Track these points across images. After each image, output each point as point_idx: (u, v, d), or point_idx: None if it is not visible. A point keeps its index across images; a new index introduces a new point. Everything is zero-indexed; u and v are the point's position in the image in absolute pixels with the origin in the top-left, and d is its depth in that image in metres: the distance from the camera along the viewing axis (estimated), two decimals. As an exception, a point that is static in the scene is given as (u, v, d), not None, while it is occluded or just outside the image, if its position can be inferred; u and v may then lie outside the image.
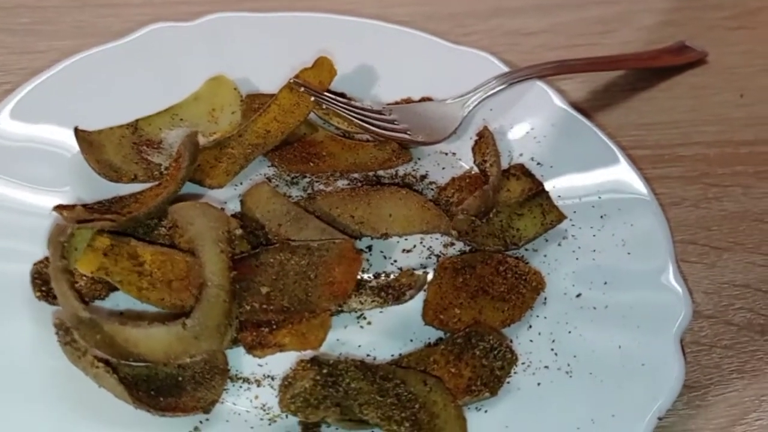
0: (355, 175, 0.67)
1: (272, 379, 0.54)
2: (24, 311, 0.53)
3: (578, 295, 0.60)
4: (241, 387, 0.53)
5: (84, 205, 0.59)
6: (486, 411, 0.53)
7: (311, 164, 0.66)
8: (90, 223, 0.54)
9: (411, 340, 0.57)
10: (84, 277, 0.54)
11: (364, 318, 0.58)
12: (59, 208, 0.57)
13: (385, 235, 0.61)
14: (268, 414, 0.52)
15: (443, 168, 0.69)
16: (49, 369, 0.51)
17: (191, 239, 0.55)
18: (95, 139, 0.64)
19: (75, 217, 0.55)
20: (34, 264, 0.55)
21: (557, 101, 0.72)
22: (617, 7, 0.94)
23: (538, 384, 0.55)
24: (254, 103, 0.69)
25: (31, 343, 0.52)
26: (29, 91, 0.65)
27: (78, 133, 0.62)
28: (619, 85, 0.83)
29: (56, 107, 0.65)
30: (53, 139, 0.64)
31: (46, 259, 0.55)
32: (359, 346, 0.57)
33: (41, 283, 0.54)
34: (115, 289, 0.55)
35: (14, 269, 0.55)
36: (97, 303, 0.55)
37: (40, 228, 0.58)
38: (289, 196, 0.65)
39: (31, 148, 0.63)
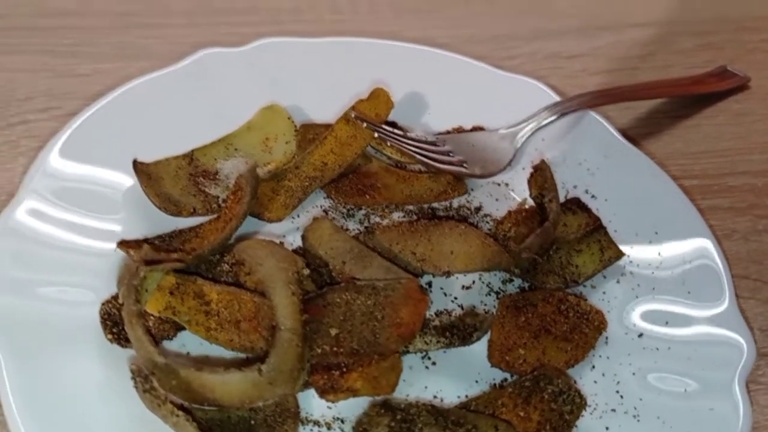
0: (411, 207, 0.67)
1: (342, 422, 0.54)
2: (93, 354, 0.53)
3: (640, 335, 0.60)
4: (312, 430, 0.53)
5: (146, 241, 0.59)
6: (556, 455, 0.53)
7: (367, 197, 0.66)
8: (160, 265, 0.53)
9: (476, 381, 0.57)
10: (152, 317, 0.54)
11: (429, 358, 0.58)
12: (124, 245, 0.56)
13: (447, 273, 0.61)
14: (340, 458, 0.52)
15: (497, 199, 0.69)
16: (118, 413, 0.51)
17: (260, 280, 0.55)
18: (153, 172, 0.63)
19: (142, 256, 0.54)
20: (102, 304, 0.54)
21: (610, 131, 0.72)
22: (654, 30, 0.94)
23: (607, 428, 0.55)
24: (309, 133, 0.69)
25: (101, 387, 0.52)
26: (80, 125, 0.64)
27: (137, 166, 0.62)
28: (662, 112, 0.83)
29: (108, 139, 0.64)
30: (108, 173, 0.63)
31: (114, 298, 0.55)
32: (426, 387, 0.56)
33: (111, 324, 0.53)
34: (183, 328, 0.55)
35: (81, 309, 0.54)
36: (166, 344, 0.55)
37: (103, 265, 0.57)
38: (347, 229, 0.64)
39: (86, 183, 0.62)
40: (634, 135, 0.79)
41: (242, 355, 0.54)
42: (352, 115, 0.65)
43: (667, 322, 0.61)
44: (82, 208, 0.60)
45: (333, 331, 0.54)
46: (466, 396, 0.56)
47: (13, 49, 0.77)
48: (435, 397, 0.56)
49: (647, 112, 0.83)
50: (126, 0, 0.85)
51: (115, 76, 0.74)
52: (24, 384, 0.50)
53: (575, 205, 0.67)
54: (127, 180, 0.63)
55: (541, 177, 0.67)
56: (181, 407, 0.49)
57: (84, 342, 0.53)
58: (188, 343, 0.55)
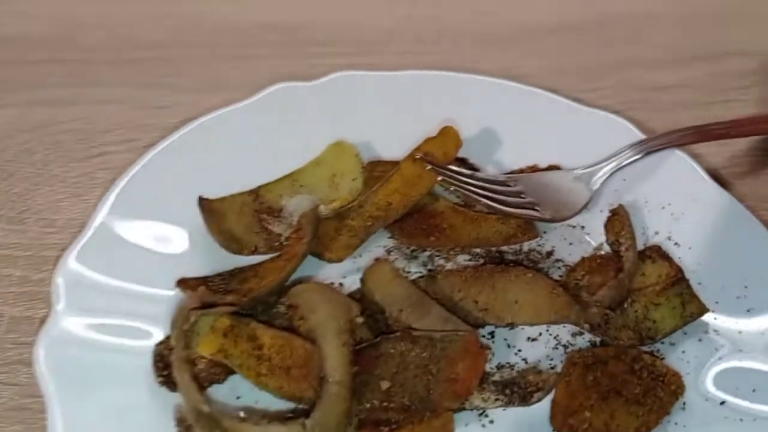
0: (477, 250, 0.64)
1: (390, 479, 0.52)
2: (144, 394, 0.53)
3: (722, 403, 0.55)
4: (358, 487, 0.51)
5: (204, 280, 0.59)
6: None
7: (432, 238, 0.64)
8: (213, 309, 0.53)
9: (536, 443, 0.54)
10: (203, 360, 0.54)
11: (486, 416, 0.55)
12: (183, 284, 0.57)
13: (511, 325, 0.58)
14: None
15: (570, 243, 0.65)
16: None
17: (312, 328, 0.53)
18: (218, 208, 0.63)
19: (198, 297, 0.54)
20: (156, 345, 0.55)
21: (699, 173, 0.67)
22: (756, 60, 0.87)
23: (679, 506, 0.50)
24: (375, 170, 0.67)
25: (150, 429, 0.52)
26: (145, 164, 0.65)
27: (202, 202, 0.62)
28: (761, 150, 0.77)
29: (175, 176, 0.65)
30: (174, 208, 0.63)
31: (167, 339, 0.55)
32: (481, 447, 0.54)
33: (162, 367, 0.53)
34: (233, 372, 0.54)
35: (137, 347, 0.55)
36: (216, 387, 0.54)
37: (163, 301, 0.58)
38: (409, 271, 0.62)
39: (151, 219, 0.62)
40: (726, 174, 0.73)
41: (292, 405, 0.53)
42: (418, 156, 0.63)
43: (754, 390, 0.55)
44: (146, 245, 0.61)
45: (384, 385, 0.52)
46: (525, 459, 0.53)
47: (99, 81, 0.79)
48: (491, 458, 0.53)
49: (743, 150, 0.76)
50: (215, 31, 0.86)
51: (194, 108, 0.74)
52: (73, 422, 0.50)
53: (656, 253, 0.63)
54: (193, 216, 0.63)
55: (619, 223, 0.63)
56: (223, 458, 0.48)
57: (137, 382, 0.53)
58: (239, 387, 0.55)
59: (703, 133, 0.71)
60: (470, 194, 0.63)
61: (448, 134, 0.65)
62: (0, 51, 0.82)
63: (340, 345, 0.52)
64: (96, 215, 0.61)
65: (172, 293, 0.58)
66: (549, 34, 0.89)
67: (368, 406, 0.51)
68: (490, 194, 0.64)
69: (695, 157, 0.69)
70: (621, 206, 0.64)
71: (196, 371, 0.53)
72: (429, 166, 0.63)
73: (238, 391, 0.55)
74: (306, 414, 0.49)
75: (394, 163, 0.66)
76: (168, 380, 0.53)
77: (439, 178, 0.63)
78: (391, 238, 0.65)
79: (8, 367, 0.57)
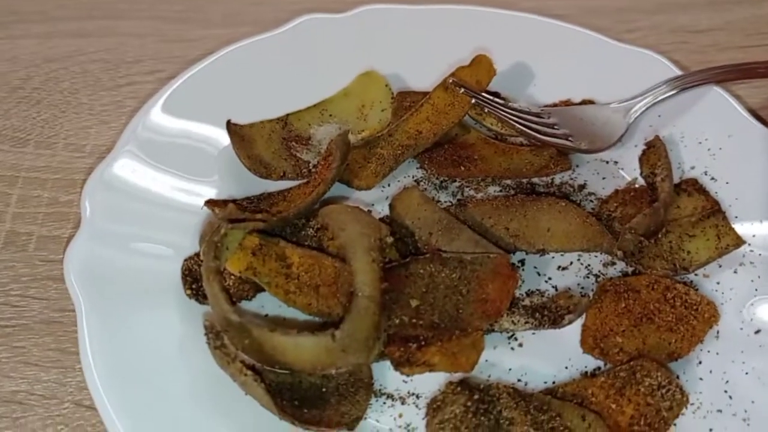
0: (508, 182, 0.63)
1: (417, 397, 0.51)
2: (173, 308, 0.53)
3: (757, 332, 0.54)
4: (384, 403, 0.51)
5: (234, 202, 0.58)
6: (649, 454, 0.48)
7: (462, 168, 0.63)
8: (242, 224, 0.52)
9: (566, 368, 0.53)
10: (232, 276, 0.53)
11: (516, 339, 0.54)
12: (210, 203, 0.56)
13: (542, 251, 0.57)
14: (412, 435, 0.50)
15: (603, 178, 0.64)
16: (194, 369, 0.51)
17: (342, 245, 0.53)
18: (246, 134, 0.63)
19: (227, 215, 0.54)
20: (185, 260, 0.55)
21: (737, 109, 0.65)
22: (799, 3, 0.85)
23: (710, 430, 0.49)
24: (405, 101, 0.66)
25: (178, 341, 0.52)
26: (179, 85, 0.65)
27: (230, 126, 0.61)
28: (802, 92, 0.75)
29: (207, 101, 0.64)
30: (203, 133, 0.63)
31: (197, 255, 0.55)
32: (509, 369, 0.53)
33: (191, 280, 0.53)
34: (262, 290, 0.54)
35: (165, 264, 0.55)
36: (244, 304, 0.54)
37: (190, 222, 0.57)
38: (438, 201, 0.62)
39: (181, 142, 0.62)
40: (765, 115, 0.71)
41: (319, 320, 0.53)
42: (450, 81, 0.62)
43: (790, 320, 0.54)
44: (175, 167, 0.61)
45: (414, 303, 0.52)
46: (553, 382, 0.52)
47: (126, 14, 0.79)
48: (519, 380, 0.53)
49: (784, 92, 0.74)
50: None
51: (220, 41, 0.74)
52: (102, 332, 0.51)
53: (692, 186, 0.61)
54: (222, 141, 0.62)
55: (655, 154, 0.62)
56: (251, 367, 0.48)
57: (165, 296, 0.53)
58: (267, 304, 0.54)
59: (742, 71, 0.69)
60: (505, 119, 0.62)
61: (481, 63, 0.64)
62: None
63: (370, 261, 0.51)
64: (126, 136, 0.61)
65: (200, 213, 0.58)
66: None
67: (397, 322, 0.51)
68: (524, 123, 0.62)
69: (734, 96, 0.68)
70: (657, 137, 0.63)
71: (225, 286, 0.52)
72: (462, 91, 0.61)
73: (266, 309, 0.55)
74: (335, 326, 0.49)
75: (424, 94, 0.65)
76: (197, 293, 0.53)
77: (473, 101, 0.61)
78: (420, 168, 0.64)
79: (38, 282, 0.58)
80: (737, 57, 0.77)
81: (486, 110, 0.63)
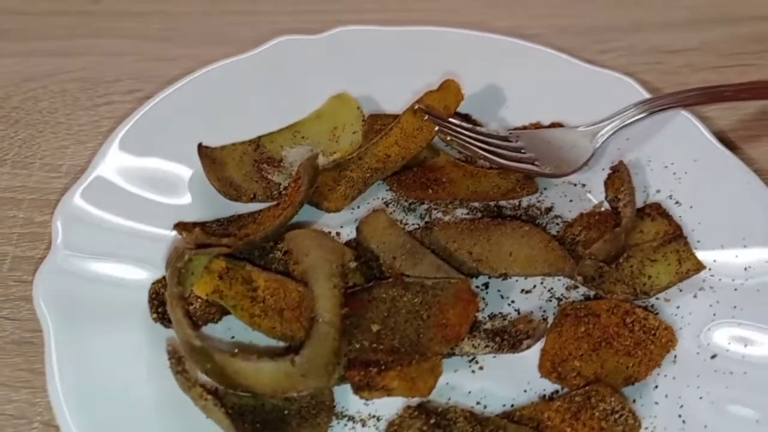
0: (475, 204, 0.64)
1: (378, 419, 0.52)
2: (140, 331, 0.54)
3: (713, 356, 0.55)
4: (345, 425, 0.52)
5: (202, 225, 0.59)
6: (602, 479, 0.50)
7: (430, 191, 0.64)
8: (207, 249, 0.54)
9: (525, 391, 0.54)
10: (199, 299, 0.54)
11: (477, 362, 0.55)
12: (179, 226, 0.58)
13: (504, 275, 0.58)
14: (371, 456, 0.51)
15: (570, 200, 0.65)
16: (159, 392, 0.52)
17: (305, 270, 0.54)
18: (218, 156, 0.64)
19: (193, 239, 0.55)
20: (152, 284, 0.56)
21: (703, 133, 0.66)
22: (772, 24, 0.85)
23: (662, 454, 0.50)
24: (376, 123, 0.67)
25: (145, 365, 0.53)
26: (151, 107, 0.66)
27: (201, 150, 0.62)
28: (769, 114, 0.76)
29: (180, 122, 0.65)
30: (175, 155, 0.64)
31: (163, 278, 0.56)
32: (469, 392, 0.54)
33: (158, 304, 0.54)
34: (228, 313, 0.55)
35: (134, 287, 0.56)
36: (210, 326, 0.55)
37: (160, 245, 0.59)
38: (406, 223, 0.63)
39: (153, 165, 0.63)
40: (736, 138, 0.72)
41: (284, 344, 0.54)
42: (416, 108, 0.63)
43: (746, 345, 0.55)
44: (147, 189, 0.62)
45: (374, 327, 0.53)
46: (512, 405, 0.53)
47: (106, 33, 0.80)
48: (478, 403, 0.54)
49: (754, 114, 0.75)
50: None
51: (200, 61, 0.74)
52: (69, 354, 0.52)
53: (655, 211, 0.62)
54: (195, 162, 0.63)
55: (619, 179, 0.63)
56: (213, 391, 0.49)
57: (132, 319, 0.55)
58: (233, 327, 0.55)
59: (709, 95, 0.70)
60: (467, 145, 0.63)
61: (449, 87, 0.65)
62: (5, 0, 0.82)
63: (331, 287, 0.52)
64: (98, 158, 0.62)
65: (169, 236, 0.59)
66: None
67: (358, 346, 0.52)
68: (489, 147, 0.63)
69: (703, 120, 0.68)
70: (621, 162, 0.64)
71: (191, 310, 0.54)
72: (427, 117, 0.62)
73: (232, 331, 0.56)
74: (296, 351, 0.50)
75: (395, 117, 0.66)
76: (162, 317, 0.54)
77: (437, 128, 0.62)
78: (389, 190, 0.65)
79: (11, 303, 0.59)
80: (710, 78, 0.78)
81: (448, 138, 0.64)
